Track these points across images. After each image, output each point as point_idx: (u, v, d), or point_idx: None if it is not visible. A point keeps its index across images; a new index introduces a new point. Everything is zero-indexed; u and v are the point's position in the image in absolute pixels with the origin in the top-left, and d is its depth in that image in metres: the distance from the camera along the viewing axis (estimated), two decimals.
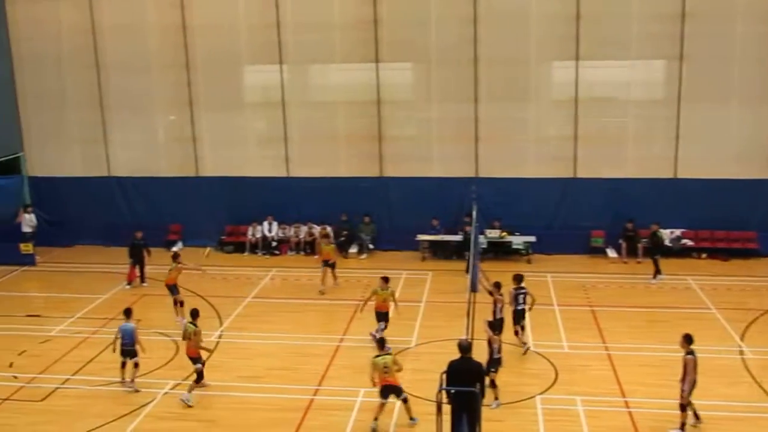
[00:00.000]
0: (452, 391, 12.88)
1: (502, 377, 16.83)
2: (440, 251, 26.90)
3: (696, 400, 14.68)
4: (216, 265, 26.15)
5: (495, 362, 15.68)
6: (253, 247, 27.57)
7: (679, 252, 24.94)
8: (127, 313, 17.35)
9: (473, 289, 18.38)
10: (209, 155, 28.22)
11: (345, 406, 15.96)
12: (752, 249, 26.04)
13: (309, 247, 27.37)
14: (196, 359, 16.75)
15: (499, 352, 15.92)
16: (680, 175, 26.24)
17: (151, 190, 28.45)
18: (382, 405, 15.03)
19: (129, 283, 24.21)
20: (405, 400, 15.09)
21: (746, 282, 23.82)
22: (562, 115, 26.68)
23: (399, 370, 15.10)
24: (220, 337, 19.90)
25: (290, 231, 27.72)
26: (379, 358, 15.09)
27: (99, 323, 20.92)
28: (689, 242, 26.14)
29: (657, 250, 24.28)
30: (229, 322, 20.93)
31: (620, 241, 26.14)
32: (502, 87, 26.47)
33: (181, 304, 20.75)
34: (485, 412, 13.98)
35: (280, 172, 27.92)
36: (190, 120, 27.91)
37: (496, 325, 17.75)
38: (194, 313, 17.06)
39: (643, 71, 26.61)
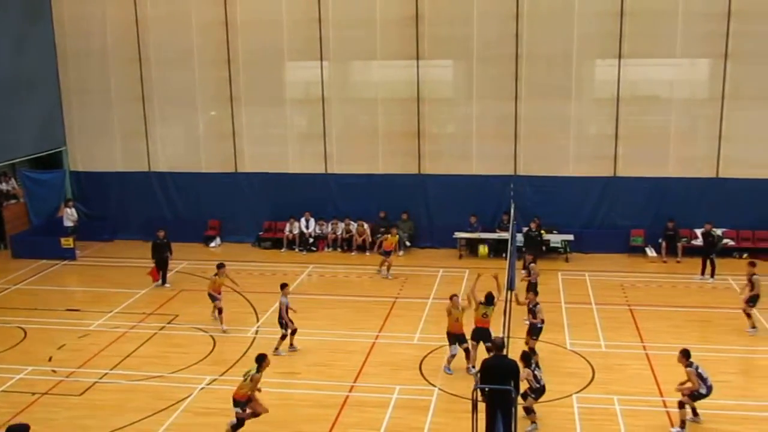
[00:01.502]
0: (487, 389, 12.83)
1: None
2: (478, 249, 26.78)
3: (737, 400, 14.48)
4: (254, 261, 26.37)
5: (537, 391, 14.91)
6: (291, 244, 27.70)
7: (720, 252, 24.58)
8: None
9: (510, 287, 18.26)
10: (249, 151, 28.41)
11: (381, 403, 15.98)
12: None
13: (346, 244, 27.45)
14: (239, 403, 14.68)
15: (540, 381, 14.99)
16: (722, 175, 25.86)
17: (191, 186, 28.74)
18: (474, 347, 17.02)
19: (156, 281, 23.83)
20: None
21: None
22: (604, 113, 26.43)
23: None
24: (256, 332, 20.04)
25: (328, 228, 27.81)
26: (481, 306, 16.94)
27: (138, 318, 21.19)
28: (731, 242, 25.77)
29: (712, 250, 23.96)
30: (266, 317, 21.05)
31: (660, 240, 25.85)
32: (543, 84, 26.27)
33: (220, 311, 20.14)
34: (520, 410, 13.93)
35: (318, 168, 28.02)
36: (230, 115, 28.12)
37: (534, 333, 17.71)
38: (260, 359, 14.81)
39: (686, 70, 26.25)
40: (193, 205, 28.84)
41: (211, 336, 19.67)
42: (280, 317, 18.56)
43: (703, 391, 14.75)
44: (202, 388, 16.86)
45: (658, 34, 25.48)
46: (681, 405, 14.77)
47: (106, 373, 17.72)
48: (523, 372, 14.41)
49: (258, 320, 20.87)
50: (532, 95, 26.32)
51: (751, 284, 19.37)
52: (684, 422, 14.71)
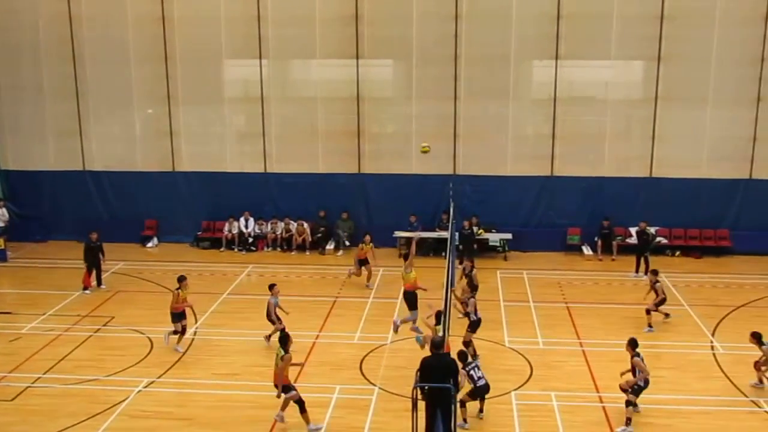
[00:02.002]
0: (426, 388, 12.89)
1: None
2: (417, 248, 26.85)
3: (670, 394, 14.82)
4: (192, 261, 26.07)
5: (476, 390, 15.07)
6: (230, 243, 27.46)
7: (654, 250, 25.18)
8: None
9: (451, 285, 18.40)
10: (187, 150, 28.05)
11: (321, 402, 15.91)
12: (725, 247, 26.45)
13: (286, 244, 27.32)
14: (285, 387, 14.99)
15: (477, 381, 15.05)
16: (656, 175, 26.50)
17: (127, 185, 28.22)
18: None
19: (86, 289, 22.94)
20: None
21: (718, 279, 24.12)
22: (541, 113, 26.84)
23: None
24: (195, 334, 19.79)
25: (267, 227, 27.64)
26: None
27: (72, 320, 20.71)
28: (663, 240, 26.41)
29: (646, 248, 24.50)
30: (205, 318, 20.82)
31: (596, 238, 26.35)
32: (482, 85, 26.54)
33: (183, 331, 18.86)
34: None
35: (258, 167, 27.83)
36: (167, 114, 27.69)
37: (474, 326, 17.93)
38: (283, 340, 15.09)
39: (621, 71, 26.88)
40: (129, 205, 28.33)
41: (149, 338, 19.36)
42: (268, 315, 18.78)
43: (641, 383, 15.10)
44: (139, 391, 16.57)
45: (594, 37, 26.00)
46: (628, 404, 14.98)
47: (39, 378, 17.27)
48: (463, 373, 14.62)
49: (196, 321, 20.61)
50: (471, 95, 26.56)
51: (655, 291, 20.15)
52: (630, 420, 14.91)
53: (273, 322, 18.82)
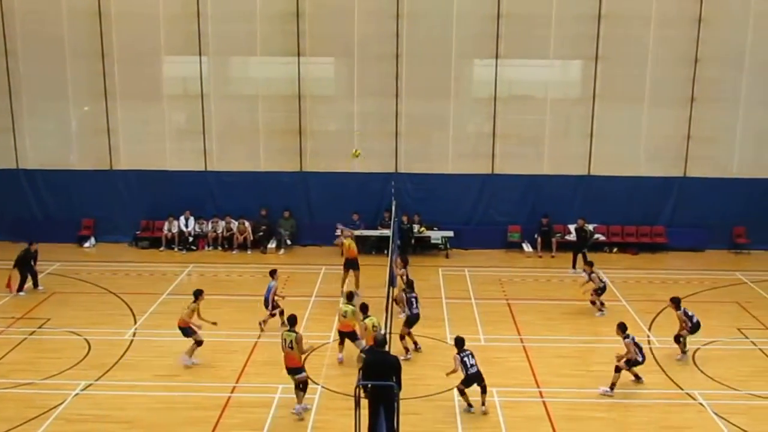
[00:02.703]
0: (369, 385, 12.91)
1: (420, 370, 17.07)
2: (360, 246, 26.91)
3: (602, 387, 15.10)
4: (131, 261, 25.66)
5: (468, 378, 15.45)
6: (170, 243, 27.08)
7: (592, 246, 25.60)
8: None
9: (392, 283, 18.47)
10: (125, 148, 27.52)
11: (263, 402, 15.83)
12: (660, 243, 27.03)
13: (227, 243, 27.07)
14: (298, 369, 15.42)
15: (468, 368, 15.40)
16: (594, 173, 26.95)
17: (63, 184, 27.53)
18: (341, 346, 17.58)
19: (20, 291, 22.18)
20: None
21: (654, 275, 24.65)
22: (482, 112, 27.06)
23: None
24: (134, 335, 19.47)
25: (208, 226, 27.33)
26: (342, 305, 17.55)
27: (5, 323, 20.16)
28: (601, 237, 26.89)
29: (584, 244, 24.91)
30: (144, 319, 20.50)
31: (536, 236, 26.69)
32: (423, 83, 26.65)
33: (199, 344, 17.78)
34: (404, 406, 14.06)
35: (198, 166, 27.48)
36: (105, 111, 27.14)
37: (410, 322, 18.08)
38: (292, 320, 15.84)
39: (560, 71, 27.42)
40: (65, 204, 27.69)
41: (86, 339, 18.97)
42: (266, 300, 19.31)
43: (640, 358, 16.40)
44: (76, 394, 16.23)
45: (533, 37, 26.32)
46: (617, 369, 16.19)
47: None
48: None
49: (135, 322, 20.28)
50: (413, 94, 26.66)
51: (592, 280, 21.04)
52: (614, 385, 16.11)
53: (268, 307, 19.32)
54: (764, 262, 26.02)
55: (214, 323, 18.08)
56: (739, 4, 25.87)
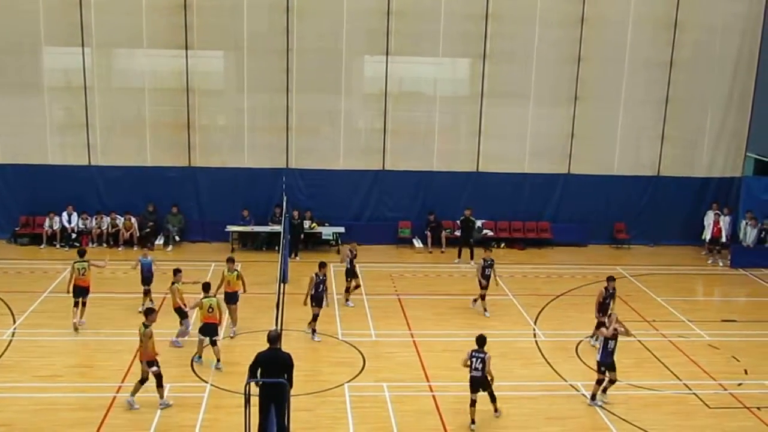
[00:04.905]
0: (260, 382, 12.80)
1: (311, 366, 17.04)
2: (250, 242, 26.72)
3: (496, 381, 15.43)
4: (10, 258, 24.60)
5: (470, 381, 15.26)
6: (51, 239, 26.10)
7: (480, 241, 26.15)
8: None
9: (284, 279, 18.36)
10: (2, 142, 26.35)
11: (149, 402, 15.44)
12: (546, 239, 27.89)
13: (113, 239, 26.30)
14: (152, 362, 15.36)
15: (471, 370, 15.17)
16: (482, 169, 27.52)
17: None
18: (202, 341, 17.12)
19: None
20: (214, 343, 16.97)
21: (540, 269, 25.42)
22: (373, 108, 27.23)
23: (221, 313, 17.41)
24: (13, 335, 18.67)
25: (92, 222, 26.48)
26: (206, 299, 17.04)
27: None
28: (489, 232, 27.50)
29: (469, 234, 25.39)
30: (24, 318, 19.69)
31: (426, 231, 27.05)
32: (314, 78, 26.59)
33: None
34: (295, 402, 14.01)
35: (81, 160, 26.58)
36: None
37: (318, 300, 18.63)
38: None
39: (448, 68, 27.90)
40: None
41: None
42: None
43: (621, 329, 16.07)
44: None
45: (423, 34, 26.65)
46: (599, 325, 17.08)
47: None
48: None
49: (15, 321, 19.46)
50: (304, 89, 26.56)
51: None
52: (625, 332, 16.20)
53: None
54: (643, 256, 27.25)
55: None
56: (620, 5, 26.90)
